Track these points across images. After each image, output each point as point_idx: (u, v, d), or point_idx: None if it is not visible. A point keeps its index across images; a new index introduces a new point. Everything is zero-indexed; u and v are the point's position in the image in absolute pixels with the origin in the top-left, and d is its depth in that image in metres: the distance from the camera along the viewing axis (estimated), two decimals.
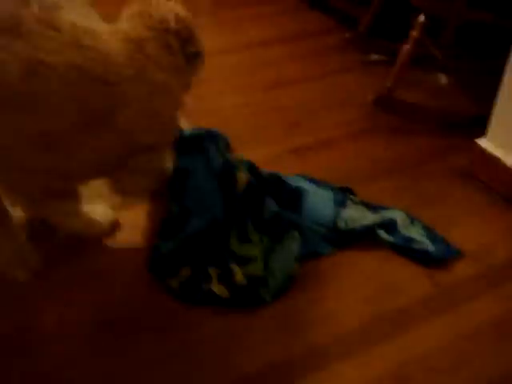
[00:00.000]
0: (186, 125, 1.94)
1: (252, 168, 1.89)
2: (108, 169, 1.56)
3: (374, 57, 2.76)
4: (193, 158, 1.87)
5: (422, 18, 2.24)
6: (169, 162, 1.78)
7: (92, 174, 1.58)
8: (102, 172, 1.58)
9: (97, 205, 1.77)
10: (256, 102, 2.42)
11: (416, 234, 1.70)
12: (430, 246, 1.66)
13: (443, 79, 2.58)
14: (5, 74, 1.22)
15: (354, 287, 1.58)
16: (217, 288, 1.53)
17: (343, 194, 1.80)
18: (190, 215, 1.74)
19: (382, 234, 1.68)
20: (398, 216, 1.74)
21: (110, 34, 1.42)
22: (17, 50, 1.22)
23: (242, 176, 1.80)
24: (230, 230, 1.71)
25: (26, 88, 1.25)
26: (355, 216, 1.72)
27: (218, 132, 1.99)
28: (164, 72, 1.49)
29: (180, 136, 1.90)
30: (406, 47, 2.28)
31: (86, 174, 1.56)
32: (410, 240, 1.68)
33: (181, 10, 1.62)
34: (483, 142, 1.96)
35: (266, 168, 1.91)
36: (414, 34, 2.26)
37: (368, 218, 1.72)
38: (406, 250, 1.67)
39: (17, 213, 1.62)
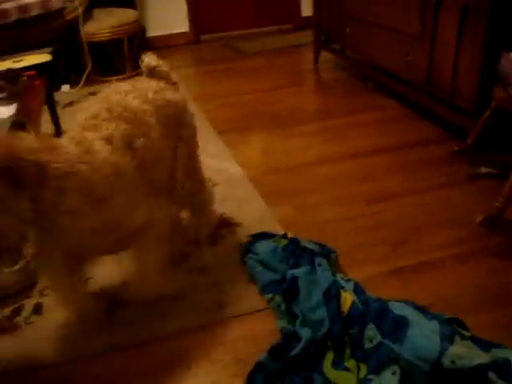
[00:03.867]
0: None
1: (357, 289, 1.84)
2: None
3: (484, 170, 2.65)
4: (304, 270, 1.91)
5: None
6: None
7: None
8: None
9: None
10: (358, 215, 2.37)
11: None
12: None
13: None
14: None
15: None
16: None
17: (451, 327, 1.65)
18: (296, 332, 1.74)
19: (494, 377, 1.50)
20: None
21: None
22: None
23: (347, 296, 1.76)
24: (325, 350, 1.68)
25: None
26: (463, 354, 1.54)
27: (330, 248, 2.07)
28: None
29: (295, 247, 2.04)
30: None
31: None
32: None
33: None
34: None
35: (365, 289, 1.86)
36: None
37: (478, 357, 1.54)
38: None
39: None
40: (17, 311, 1.98)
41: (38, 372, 1.73)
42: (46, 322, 1.91)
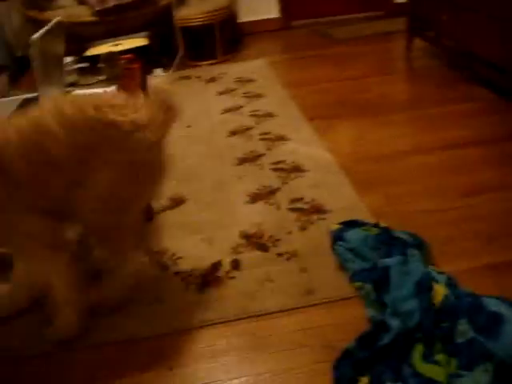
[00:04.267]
0: None
1: (450, 282, 1.80)
2: None
3: None
4: (396, 260, 1.89)
5: None
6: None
7: None
8: None
9: None
10: (450, 208, 2.31)
11: None
12: None
13: None
14: None
15: None
16: None
17: None
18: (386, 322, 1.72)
19: None
20: None
21: None
22: None
23: (440, 289, 1.74)
24: (415, 342, 1.65)
25: None
26: None
27: (422, 239, 2.05)
28: None
29: (387, 237, 2.03)
30: None
31: None
32: None
33: None
34: None
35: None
36: None
37: None
38: None
39: None
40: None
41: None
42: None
